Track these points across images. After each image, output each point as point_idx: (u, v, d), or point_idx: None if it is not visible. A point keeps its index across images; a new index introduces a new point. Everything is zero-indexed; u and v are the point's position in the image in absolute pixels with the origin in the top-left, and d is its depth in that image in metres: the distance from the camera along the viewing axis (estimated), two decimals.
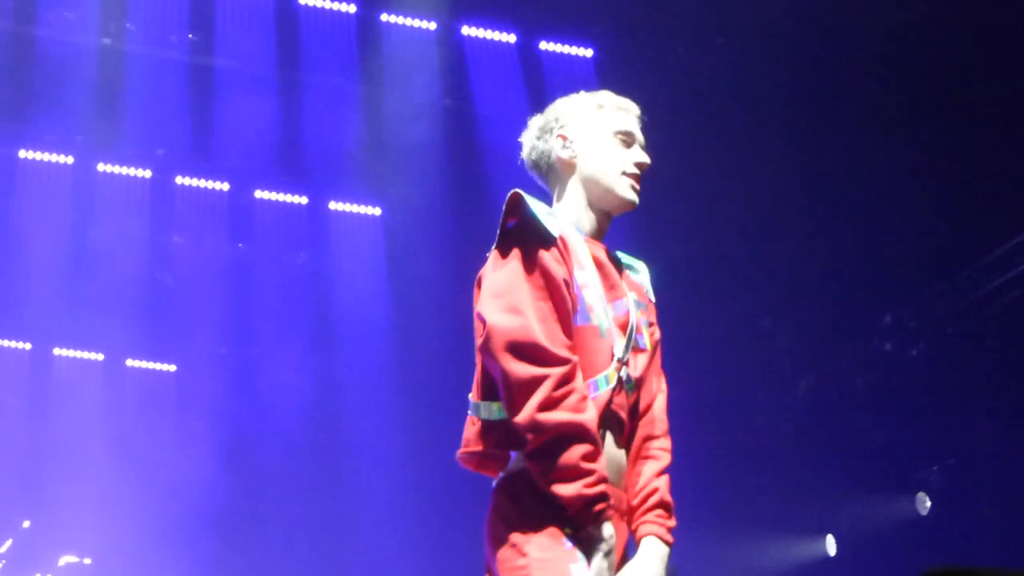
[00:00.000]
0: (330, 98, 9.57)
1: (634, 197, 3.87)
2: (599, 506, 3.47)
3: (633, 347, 3.80)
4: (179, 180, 9.83)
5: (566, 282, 3.61)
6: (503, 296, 3.60)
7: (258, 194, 9.98)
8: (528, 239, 3.65)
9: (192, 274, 9.89)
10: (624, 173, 3.86)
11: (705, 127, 9.06)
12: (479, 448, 3.67)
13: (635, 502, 3.76)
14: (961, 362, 9.38)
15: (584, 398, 3.51)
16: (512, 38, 9.43)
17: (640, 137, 3.94)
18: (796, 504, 10.02)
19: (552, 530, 3.53)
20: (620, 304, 3.80)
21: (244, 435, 10.03)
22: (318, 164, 9.79)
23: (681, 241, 9.20)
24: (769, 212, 9.31)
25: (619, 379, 3.72)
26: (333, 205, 10.10)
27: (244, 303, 10.03)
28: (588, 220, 3.89)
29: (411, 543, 9.81)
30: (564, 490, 3.46)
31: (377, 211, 10.07)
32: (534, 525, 3.55)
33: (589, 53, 9.34)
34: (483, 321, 3.58)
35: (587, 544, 3.51)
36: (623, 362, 3.75)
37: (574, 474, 3.46)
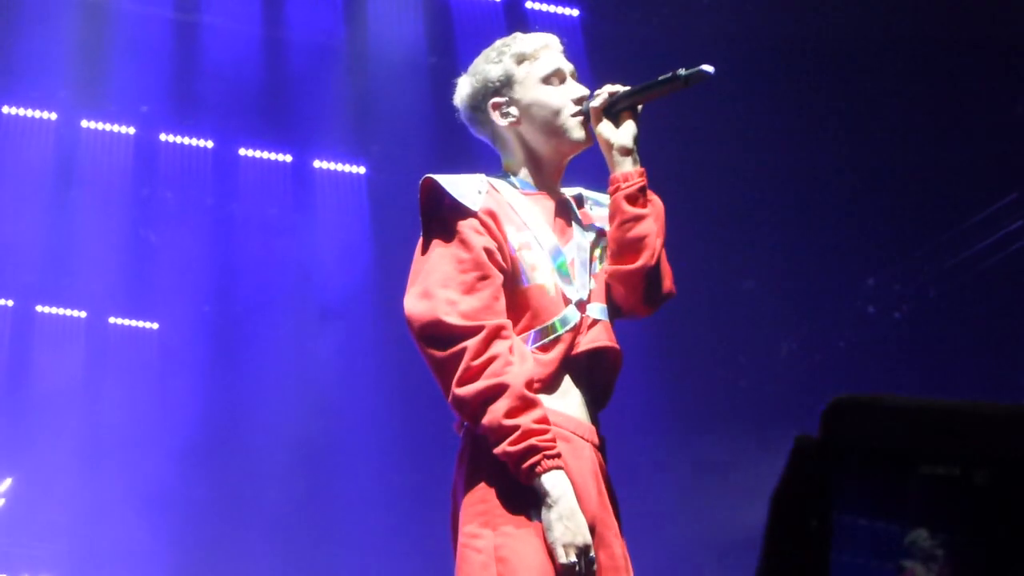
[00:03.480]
0: (315, 57, 9.54)
1: (585, 135, 3.90)
2: (529, 461, 3.47)
3: (594, 275, 3.87)
4: (163, 137, 9.81)
5: (489, 250, 3.64)
6: (416, 284, 3.66)
7: (242, 152, 9.96)
8: (446, 217, 3.67)
9: (176, 232, 9.87)
10: (571, 115, 3.89)
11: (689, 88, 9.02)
12: (455, 419, 3.71)
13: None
14: (944, 325, 9.41)
15: (508, 362, 3.52)
16: None
17: (568, 67, 3.96)
18: (777, 468, 10.04)
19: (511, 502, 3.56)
20: (568, 248, 3.84)
21: (224, 396, 10.01)
22: (303, 122, 9.78)
23: (664, 199, 9.18)
24: (754, 173, 9.31)
25: (582, 318, 3.76)
26: (317, 164, 10.08)
27: (228, 261, 10.00)
28: (536, 175, 3.92)
29: (396, 505, 9.80)
30: (497, 451, 3.49)
31: (361, 170, 10.07)
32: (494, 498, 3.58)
33: (575, 12, 9.33)
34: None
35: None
36: (585, 302, 3.79)
37: (499, 434, 3.48)
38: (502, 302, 3.62)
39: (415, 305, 3.62)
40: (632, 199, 3.79)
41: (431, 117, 9.39)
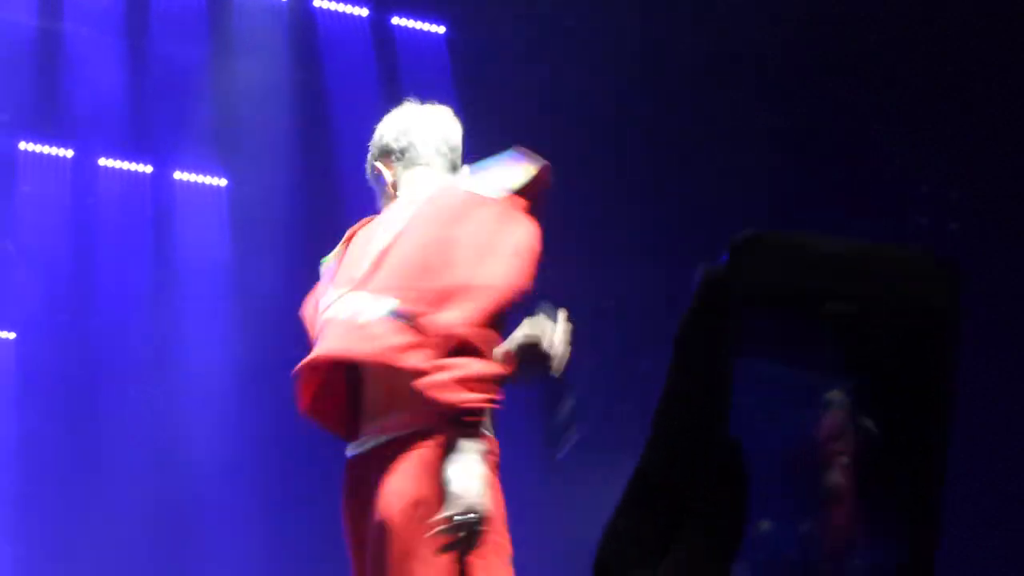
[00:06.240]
0: (178, 68, 9.48)
1: None
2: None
3: None
4: (22, 146, 9.68)
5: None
6: None
7: (102, 162, 9.86)
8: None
9: (35, 241, 9.75)
10: None
11: (551, 112, 9.11)
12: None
13: None
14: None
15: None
16: (364, 12, 9.43)
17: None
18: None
19: None
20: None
21: (83, 406, 9.90)
22: (164, 134, 9.70)
23: None
24: (564, 193, 9.38)
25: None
26: (178, 175, 10.00)
27: (87, 271, 9.90)
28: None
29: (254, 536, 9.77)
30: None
31: (223, 182, 10.01)
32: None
33: (441, 29, 9.37)
34: None
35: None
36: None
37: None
38: None
39: None
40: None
41: (295, 130, 9.38)
